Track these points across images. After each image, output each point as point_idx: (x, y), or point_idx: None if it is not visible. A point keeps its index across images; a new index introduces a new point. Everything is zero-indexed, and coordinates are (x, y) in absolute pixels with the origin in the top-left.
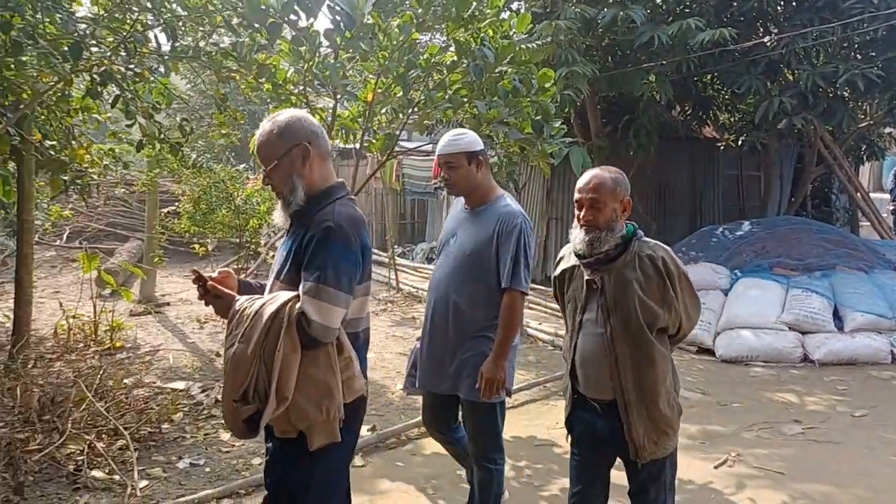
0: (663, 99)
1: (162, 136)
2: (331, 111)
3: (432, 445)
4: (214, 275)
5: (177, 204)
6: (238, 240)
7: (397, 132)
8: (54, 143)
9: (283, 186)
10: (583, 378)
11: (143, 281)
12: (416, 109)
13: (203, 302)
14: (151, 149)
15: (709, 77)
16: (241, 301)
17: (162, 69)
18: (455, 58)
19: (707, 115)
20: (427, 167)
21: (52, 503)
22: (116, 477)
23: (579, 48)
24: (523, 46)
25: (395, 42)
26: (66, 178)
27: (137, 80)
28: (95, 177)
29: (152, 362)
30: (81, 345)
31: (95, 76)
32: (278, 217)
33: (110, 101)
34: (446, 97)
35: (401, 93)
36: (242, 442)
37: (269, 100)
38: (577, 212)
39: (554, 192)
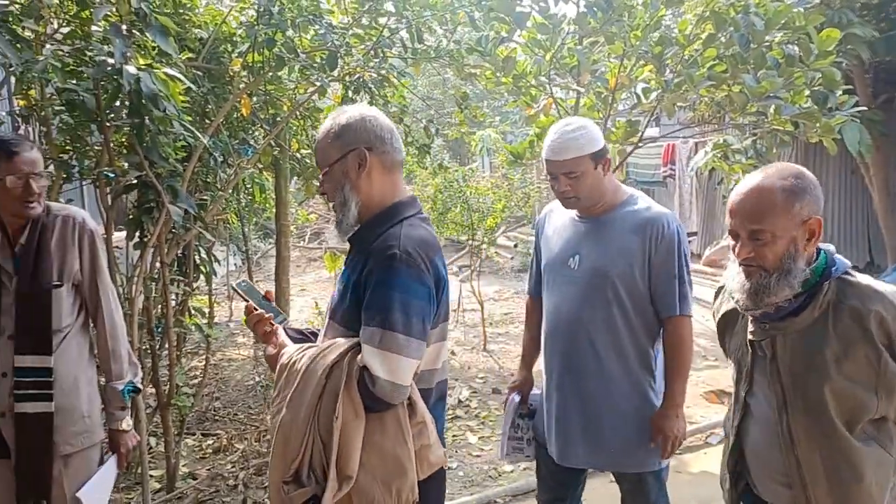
0: None
1: (410, 139)
2: (568, 102)
3: None
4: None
5: None
6: (469, 239)
7: (642, 118)
8: (308, 151)
9: (335, 199)
10: (755, 473)
11: None
12: (666, 91)
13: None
14: None
15: None
16: (290, 351)
17: (407, 71)
18: (713, 30)
19: None
20: (654, 154)
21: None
22: None
23: (853, 7)
24: (798, 10)
25: (640, 21)
26: (318, 183)
27: (386, 84)
28: None
29: None
30: None
31: (349, 84)
32: (333, 238)
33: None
34: (706, 74)
35: (643, 74)
36: (491, 446)
37: (506, 94)
38: (731, 242)
39: None
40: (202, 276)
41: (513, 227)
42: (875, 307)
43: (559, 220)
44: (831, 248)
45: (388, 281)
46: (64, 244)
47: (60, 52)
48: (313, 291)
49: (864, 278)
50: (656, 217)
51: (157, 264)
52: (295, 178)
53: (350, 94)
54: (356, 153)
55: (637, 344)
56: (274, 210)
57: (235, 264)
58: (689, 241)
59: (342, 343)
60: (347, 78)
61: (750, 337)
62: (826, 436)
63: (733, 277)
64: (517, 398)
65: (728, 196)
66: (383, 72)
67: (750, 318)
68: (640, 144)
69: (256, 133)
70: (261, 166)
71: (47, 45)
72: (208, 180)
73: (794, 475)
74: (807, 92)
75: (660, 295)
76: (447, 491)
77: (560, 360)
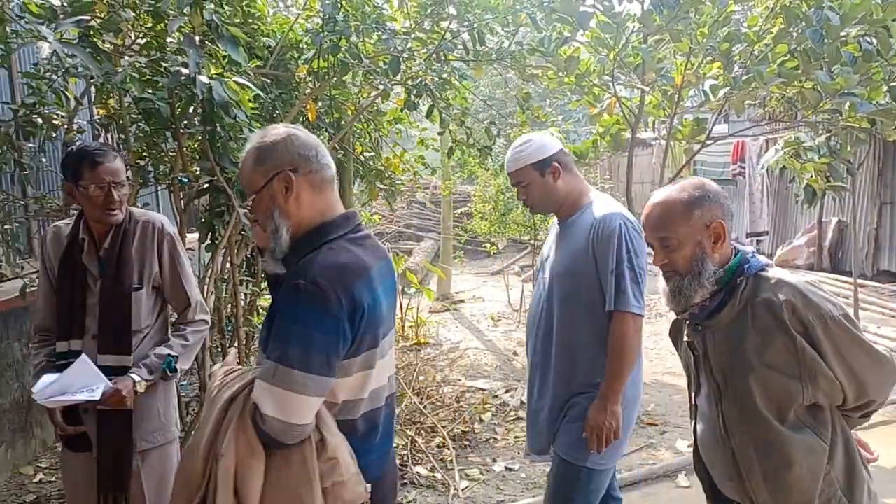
0: None
1: (471, 140)
2: (633, 100)
3: None
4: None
5: (469, 204)
6: (531, 239)
7: (710, 115)
8: (371, 153)
9: (267, 227)
10: (710, 470)
11: (440, 279)
12: (735, 88)
13: None
14: (461, 154)
15: None
16: (217, 370)
17: (468, 74)
18: (783, 25)
19: None
20: (723, 151)
21: None
22: (438, 475)
23: None
24: (877, 2)
25: (707, 17)
26: (381, 185)
27: (447, 87)
28: (405, 183)
29: (455, 360)
30: None
31: (411, 88)
32: (268, 265)
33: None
34: (776, 71)
35: (711, 71)
36: None
37: (569, 93)
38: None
39: (888, 173)
40: None
41: None
42: (786, 297)
43: (552, 227)
44: (749, 249)
45: (289, 313)
46: (144, 248)
47: (138, 64)
48: None
49: (776, 272)
50: (601, 217)
51: (227, 265)
52: (358, 180)
53: (412, 97)
54: (282, 177)
55: (595, 342)
56: None
57: None
58: (760, 241)
59: (248, 374)
60: (410, 82)
61: (686, 339)
62: (755, 425)
63: (661, 284)
64: None
65: (800, 195)
66: (445, 75)
67: (685, 321)
68: (708, 142)
69: (321, 137)
70: None
71: (125, 57)
72: None
73: (732, 467)
74: (885, 88)
75: (604, 291)
76: (510, 492)
77: (530, 358)
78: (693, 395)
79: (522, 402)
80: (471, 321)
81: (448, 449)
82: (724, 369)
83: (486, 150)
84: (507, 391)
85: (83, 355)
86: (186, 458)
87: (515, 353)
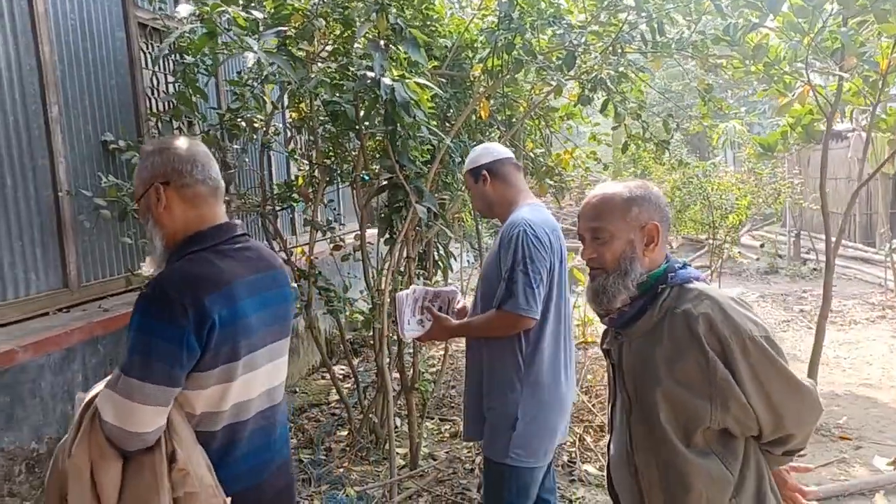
0: None
1: (647, 134)
2: (829, 88)
3: None
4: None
5: None
6: (709, 237)
7: None
8: (542, 150)
9: (148, 232)
10: (618, 488)
11: None
12: None
13: None
14: (635, 149)
15: None
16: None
17: (646, 66)
18: None
19: None
20: None
21: None
22: None
23: None
24: None
25: None
26: (551, 182)
27: (623, 80)
28: (575, 180)
29: None
30: None
31: (586, 82)
32: (144, 269)
33: (597, 105)
34: None
35: None
36: None
37: (755, 83)
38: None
39: None
40: (439, 272)
41: (759, 226)
42: (705, 311)
43: None
44: (680, 261)
45: (134, 322)
46: None
47: (329, 69)
48: None
49: (701, 286)
50: (508, 222)
51: (404, 259)
52: (528, 176)
53: (587, 91)
54: (153, 189)
55: (511, 340)
56: None
57: (468, 261)
58: None
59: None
60: (584, 76)
61: (605, 346)
62: (659, 444)
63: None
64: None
65: None
66: (622, 68)
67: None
68: None
69: (492, 134)
70: None
71: (317, 64)
72: (447, 180)
73: (634, 485)
74: None
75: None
76: None
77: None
78: (610, 407)
79: None
80: None
81: None
82: (636, 381)
83: (664, 145)
84: None
85: None
86: (57, 456)
87: None
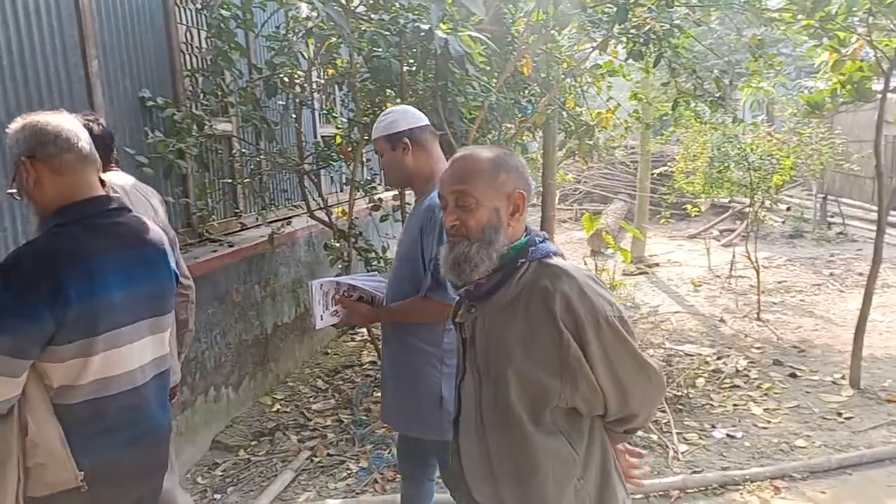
0: None
1: (699, 91)
2: (887, 44)
3: None
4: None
5: (669, 164)
6: (750, 199)
7: None
8: (581, 109)
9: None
10: (468, 473)
11: (633, 241)
12: None
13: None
14: (686, 106)
15: None
16: None
17: (701, 20)
18: None
19: None
20: None
21: None
22: (654, 436)
23: None
24: None
25: None
26: (590, 142)
27: (674, 35)
28: (615, 140)
29: (658, 324)
30: None
31: (637, 36)
32: None
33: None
34: None
35: None
36: (780, 419)
37: (807, 38)
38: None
39: None
40: None
41: (786, 189)
42: (562, 287)
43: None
44: (542, 234)
45: None
46: None
47: (382, 21)
48: (564, 251)
49: (560, 261)
50: (429, 205)
51: None
52: (563, 135)
53: (638, 46)
54: (22, 164)
55: (428, 323)
56: (531, 170)
57: None
58: None
59: None
60: (634, 30)
61: (457, 319)
62: (509, 422)
63: (442, 251)
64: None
65: None
66: (677, 21)
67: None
68: None
69: (529, 91)
70: (528, 125)
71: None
72: (489, 138)
73: (486, 465)
74: None
75: (423, 278)
76: (734, 460)
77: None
78: (458, 382)
79: (738, 370)
80: (668, 285)
81: (662, 411)
82: (488, 358)
83: (719, 102)
84: (718, 358)
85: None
86: None
87: (722, 320)
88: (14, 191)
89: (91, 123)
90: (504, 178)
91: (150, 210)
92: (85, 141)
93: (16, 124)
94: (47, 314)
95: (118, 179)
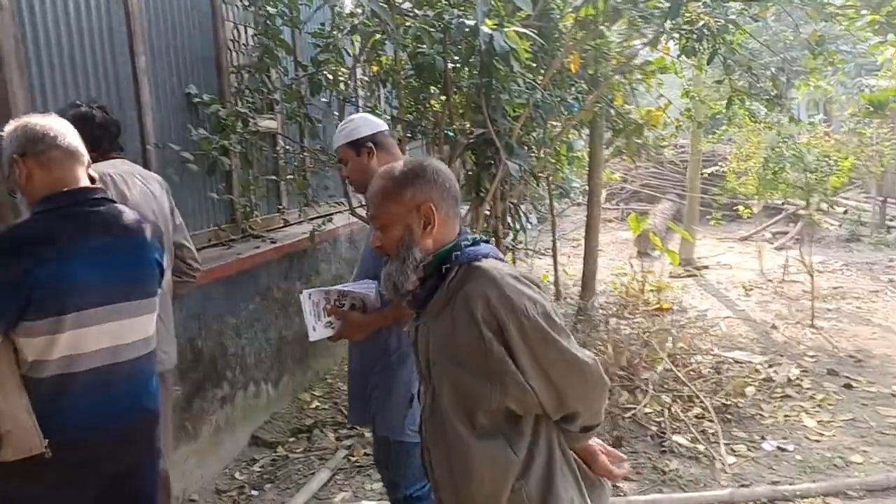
0: None
1: (753, 90)
2: None
3: None
4: None
5: (721, 164)
6: (806, 201)
7: None
8: (631, 107)
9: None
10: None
11: (681, 242)
12: None
13: None
14: (740, 105)
15: None
16: None
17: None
18: None
19: None
20: None
21: (643, 462)
22: (700, 447)
23: None
24: None
25: None
26: (639, 141)
27: (728, 31)
28: (665, 139)
29: (707, 329)
30: (631, 304)
31: (691, 32)
32: None
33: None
34: None
35: None
36: (833, 432)
37: (871, 35)
38: None
39: None
40: (510, 232)
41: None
42: (482, 289)
43: None
44: (473, 237)
45: None
46: None
47: (427, 17)
48: (609, 252)
49: (488, 263)
50: None
51: (493, 218)
52: (610, 133)
53: (692, 42)
54: (14, 162)
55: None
56: (577, 169)
57: (531, 223)
58: None
59: None
60: (687, 26)
61: (406, 328)
62: (444, 430)
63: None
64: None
65: None
66: (733, 16)
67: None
68: None
69: (576, 88)
70: (574, 122)
71: (416, 12)
72: (532, 136)
73: (433, 475)
74: None
75: None
76: (784, 474)
77: None
78: (423, 389)
79: (790, 379)
80: (717, 288)
81: (709, 420)
82: (428, 363)
83: (775, 100)
84: (769, 366)
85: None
86: None
87: (774, 326)
88: (12, 189)
89: (94, 111)
90: (411, 193)
91: (148, 196)
92: (71, 139)
93: (9, 126)
94: (10, 294)
95: (112, 168)
